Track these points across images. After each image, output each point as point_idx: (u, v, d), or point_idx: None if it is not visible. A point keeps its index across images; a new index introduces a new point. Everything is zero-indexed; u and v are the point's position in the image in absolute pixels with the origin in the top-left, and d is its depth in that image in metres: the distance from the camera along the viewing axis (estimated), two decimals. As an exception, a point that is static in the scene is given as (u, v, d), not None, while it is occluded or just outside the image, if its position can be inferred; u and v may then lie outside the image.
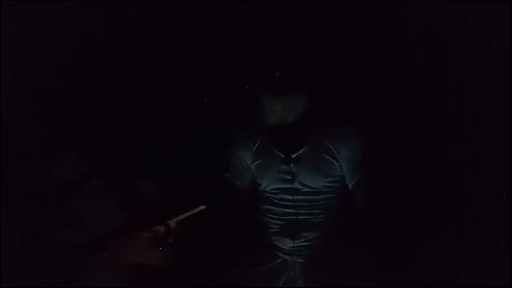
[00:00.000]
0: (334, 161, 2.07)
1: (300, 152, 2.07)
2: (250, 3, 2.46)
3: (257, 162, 2.14)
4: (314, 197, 2.10)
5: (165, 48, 2.57)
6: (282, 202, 2.12)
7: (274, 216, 2.15)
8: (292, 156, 2.07)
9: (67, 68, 2.52)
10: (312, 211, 2.10)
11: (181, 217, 1.74)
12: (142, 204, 1.84)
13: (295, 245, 2.11)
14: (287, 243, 2.12)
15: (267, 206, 2.16)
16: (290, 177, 2.08)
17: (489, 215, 2.29)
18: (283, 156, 2.08)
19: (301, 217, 2.10)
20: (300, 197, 2.09)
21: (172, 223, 1.75)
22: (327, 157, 2.07)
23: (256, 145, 2.14)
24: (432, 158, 2.39)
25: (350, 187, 2.10)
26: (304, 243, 2.11)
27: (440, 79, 2.45)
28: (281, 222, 2.13)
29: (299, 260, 2.12)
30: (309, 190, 2.09)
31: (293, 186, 2.08)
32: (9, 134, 2.13)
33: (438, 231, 2.35)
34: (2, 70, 2.31)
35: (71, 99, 2.40)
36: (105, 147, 2.13)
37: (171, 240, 1.75)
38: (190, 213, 1.73)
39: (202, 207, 1.71)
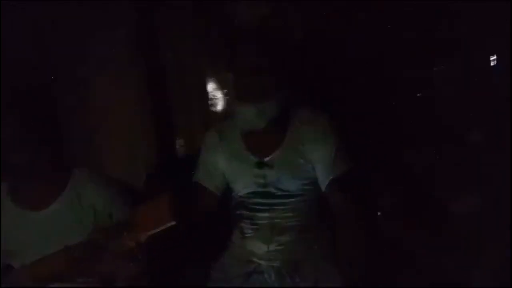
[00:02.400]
0: (307, 164, 2.05)
1: (273, 155, 2.05)
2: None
3: (231, 166, 2.13)
4: (288, 200, 2.07)
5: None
6: (256, 207, 2.10)
7: (248, 221, 2.13)
8: (265, 159, 2.06)
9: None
10: (286, 215, 2.08)
11: (151, 231, 1.73)
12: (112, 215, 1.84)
13: (270, 249, 2.08)
14: (262, 248, 2.09)
15: (241, 211, 2.15)
16: (263, 181, 2.06)
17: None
18: (256, 160, 2.07)
19: (276, 221, 2.07)
20: (274, 200, 2.07)
21: (142, 237, 1.74)
22: (300, 160, 2.05)
23: (229, 150, 2.13)
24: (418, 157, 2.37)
25: (323, 189, 2.06)
26: (279, 248, 2.08)
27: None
28: (256, 227, 2.11)
29: (274, 265, 2.09)
30: (283, 193, 2.07)
31: (266, 190, 2.07)
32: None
33: (423, 230, 2.33)
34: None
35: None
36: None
37: (140, 256, 1.75)
38: (160, 228, 1.72)
39: (173, 222, 1.69)
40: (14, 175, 1.93)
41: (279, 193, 2.07)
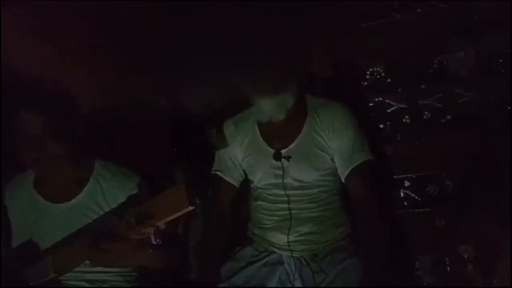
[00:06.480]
0: (325, 154, 2.06)
1: (290, 146, 2.06)
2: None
3: (248, 158, 2.14)
4: (306, 191, 2.08)
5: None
6: (274, 198, 2.11)
7: (267, 212, 2.14)
8: (283, 151, 2.06)
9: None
10: (305, 205, 2.08)
11: (169, 218, 1.71)
12: (132, 205, 1.83)
13: (290, 240, 2.08)
14: (281, 238, 2.09)
15: (260, 202, 2.16)
16: (281, 172, 2.06)
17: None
18: (274, 151, 2.07)
19: (294, 211, 2.08)
20: (292, 191, 2.08)
21: (161, 224, 1.73)
22: (318, 150, 2.06)
23: (247, 141, 2.14)
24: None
25: (342, 179, 2.07)
26: (298, 238, 2.08)
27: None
28: (275, 218, 2.12)
29: (294, 255, 2.09)
30: (301, 184, 2.07)
31: (285, 181, 2.07)
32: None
33: (436, 225, 2.33)
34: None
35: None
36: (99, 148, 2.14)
37: (160, 242, 1.73)
38: (179, 213, 1.70)
39: (190, 207, 1.68)
40: (40, 168, 1.96)
41: (297, 184, 2.07)
